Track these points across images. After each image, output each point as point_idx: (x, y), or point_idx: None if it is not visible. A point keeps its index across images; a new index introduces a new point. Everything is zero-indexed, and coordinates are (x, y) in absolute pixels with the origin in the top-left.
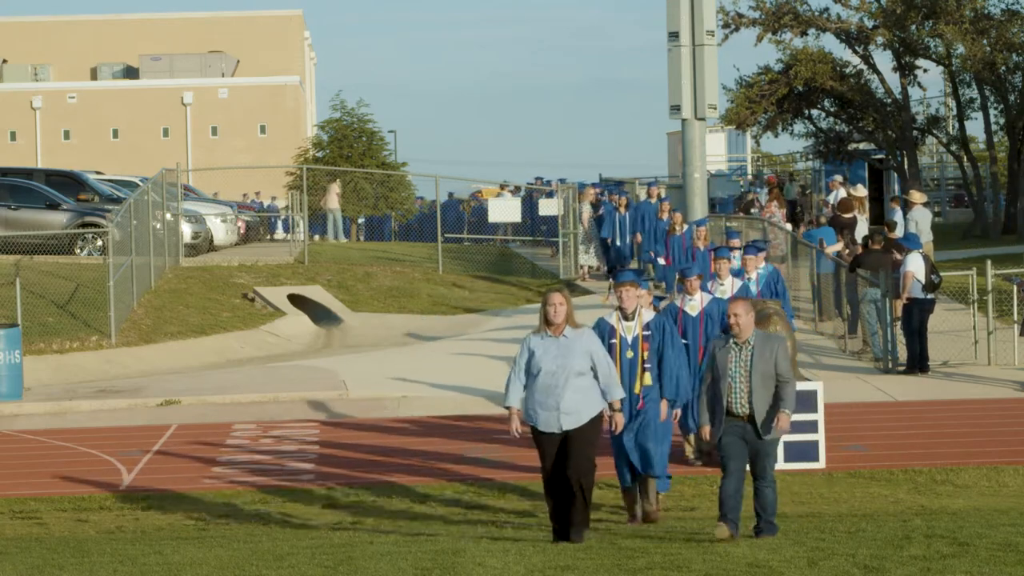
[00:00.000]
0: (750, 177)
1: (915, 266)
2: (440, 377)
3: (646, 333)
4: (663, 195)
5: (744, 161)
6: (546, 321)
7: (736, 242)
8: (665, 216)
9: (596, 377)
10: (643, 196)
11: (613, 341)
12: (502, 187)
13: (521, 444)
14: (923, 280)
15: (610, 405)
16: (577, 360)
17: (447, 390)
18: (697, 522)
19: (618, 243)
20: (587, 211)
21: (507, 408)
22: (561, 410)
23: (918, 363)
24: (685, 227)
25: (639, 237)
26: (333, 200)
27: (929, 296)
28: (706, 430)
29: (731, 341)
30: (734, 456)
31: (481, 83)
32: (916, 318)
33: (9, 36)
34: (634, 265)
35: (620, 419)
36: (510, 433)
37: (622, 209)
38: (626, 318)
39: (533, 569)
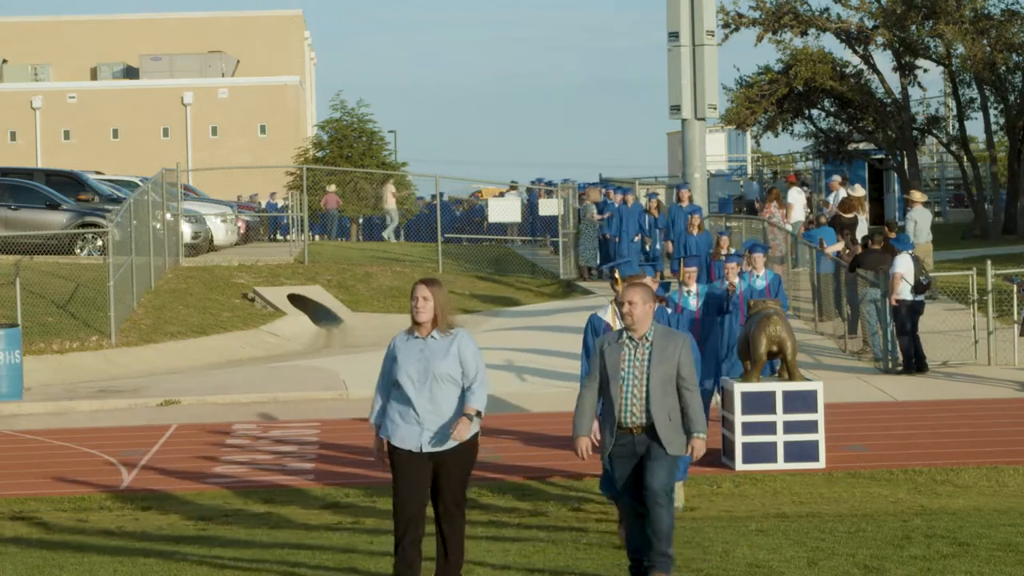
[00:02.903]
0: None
1: (903, 268)
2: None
3: None
4: (695, 201)
5: (744, 161)
6: (411, 318)
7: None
8: (695, 231)
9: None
10: (640, 198)
11: None
12: (511, 186)
13: (520, 444)
14: (911, 281)
15: (465, 412)
16: (444, 366)
17: None
18: (697, 522)
19: (646, 248)
20: (592, 211)
21: (374, 426)
22: (424, 426)
23: (915, 363)
24: (732, 251)
25: (670, 246)
26: (390, 200)
27: (918, 298)
28: (583, 442)
29: (625, 336)
30: (625, 491)
31: (481, 83)
32: (907, 320)
33: (9, 36)
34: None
35: (463, 427)
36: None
37: (654, 212)
38: None
39: (533, 569)
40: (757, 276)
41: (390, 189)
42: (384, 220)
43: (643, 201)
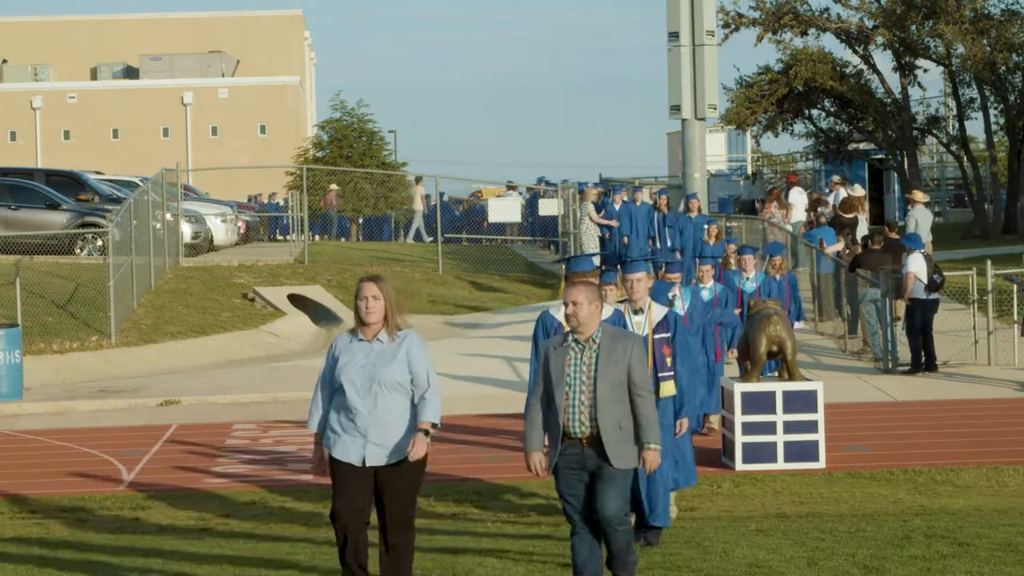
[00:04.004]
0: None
1: (917, 267)
2: (438, 377)
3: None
4: (704, 212)
5: (744, 161)
6: (357, 319)
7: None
8: (712, 240)
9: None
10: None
11: None
12: (508, 186)
13: (516, 445)
14: (925, 280)
15: (419, 427)
16: (392, 373)
17: (445, 390)
18: (697, 522)
19: (657, 245)
20: (590, 210)
21: (314, 434)
22: (369, 439)
23: (926, 363)
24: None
25: (678, 255)
26: (418, 201)
27: (932, 296)
28: (535, 457)
29: (571, 339)
30: (577, 505)
31: (481, 83)
32: (919, 318)
33: (9, 36)
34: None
35: (420, 445)
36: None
37: (663, 208)
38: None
39: (533, 569)
40: (747, 279)
41: (420, 191)
42: (410, 220)
43: (648, 199)
